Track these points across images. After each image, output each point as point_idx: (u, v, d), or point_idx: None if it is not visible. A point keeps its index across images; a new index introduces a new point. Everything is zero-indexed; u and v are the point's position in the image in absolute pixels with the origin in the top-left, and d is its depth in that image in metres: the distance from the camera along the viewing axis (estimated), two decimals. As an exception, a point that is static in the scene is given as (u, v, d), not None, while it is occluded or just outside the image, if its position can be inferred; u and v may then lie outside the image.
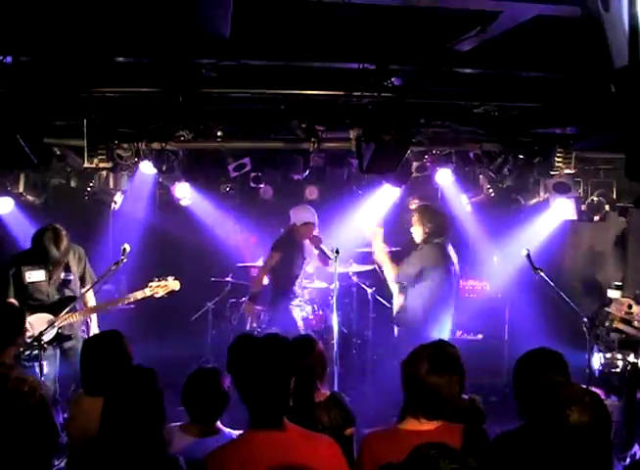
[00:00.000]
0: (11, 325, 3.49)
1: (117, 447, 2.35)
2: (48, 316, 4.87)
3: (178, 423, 3.13)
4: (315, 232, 6.29)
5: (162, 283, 5.20)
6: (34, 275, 4.94)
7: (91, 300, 5.19)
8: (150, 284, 5.16)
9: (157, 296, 5.19)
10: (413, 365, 2.50)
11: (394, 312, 5.44)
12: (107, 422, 2.40)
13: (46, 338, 4.46)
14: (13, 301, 4.78)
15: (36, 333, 4.47)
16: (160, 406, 2.47)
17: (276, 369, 2.28)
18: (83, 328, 5.27)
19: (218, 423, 3.08)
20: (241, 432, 2.97)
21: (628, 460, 4.45)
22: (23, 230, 6.10)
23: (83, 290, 5.07)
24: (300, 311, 6.83)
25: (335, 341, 5.32)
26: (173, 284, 5.24)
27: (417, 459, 1.74)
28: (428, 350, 2.56)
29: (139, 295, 5.14)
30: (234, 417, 3.47)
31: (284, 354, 2.34)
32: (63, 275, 5.08)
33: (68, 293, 5.07)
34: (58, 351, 4.94)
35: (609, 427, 2.12)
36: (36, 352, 4.37)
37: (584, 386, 4.09)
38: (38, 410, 3.13)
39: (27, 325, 4.41)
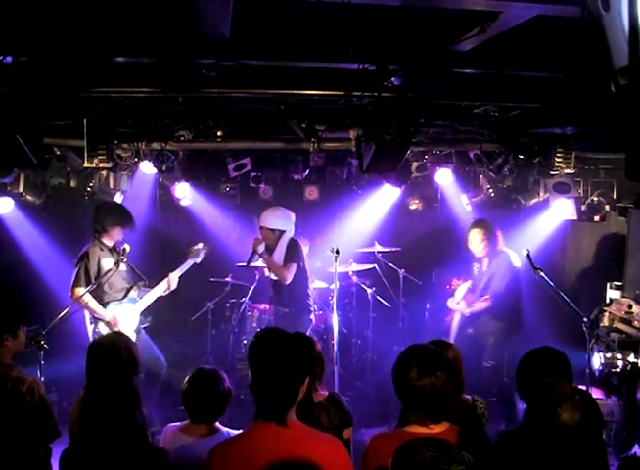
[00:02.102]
0: None
1: (98, 442, 2.36)
2: (129, 305, 5.30)
3: (178, 423, 3.13)
4: (268, 236, 5.66)
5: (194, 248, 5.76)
6: (107, 264, 5.20)
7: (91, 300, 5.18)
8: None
9: (198, 261, 5.75)
10: (401, 372, 2.49)
11: None
12: (84, 418, 2.42)
13: (134, 326, 5.26)
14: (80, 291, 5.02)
15: (124, 324, 5.15)
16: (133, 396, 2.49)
17: (286, 363, 2.28)
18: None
19: (217, 423, 3.08)
20: (240, 431, 2.99)
21: (628, 460, 4.45)
22: (24, 230, 6.10)
23: (84, 289, 5.11)
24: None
25: (335, 341, 5.32)
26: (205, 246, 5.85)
27: (403, 450, 1.76)
28: (412, 353, 2.54)
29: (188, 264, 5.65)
30: (234, 417, 3.48)
31: (300, 353, 2.35)
32: (124, 266, 5.37)
33: (127, 283, 5.38)
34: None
35: (601, 425, 2.13)
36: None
37: (584, 386, 4.11)
38: (37, 410, 3.13)
39: (116, 319, 5.14)
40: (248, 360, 2.36)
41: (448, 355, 2.80)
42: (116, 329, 5.02)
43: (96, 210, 5.34)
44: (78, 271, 5.14)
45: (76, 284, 5.11)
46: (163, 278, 5.49)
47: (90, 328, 5.17)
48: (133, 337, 5.21)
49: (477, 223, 5.90)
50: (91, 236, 5.28)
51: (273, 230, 5.64)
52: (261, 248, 5.62)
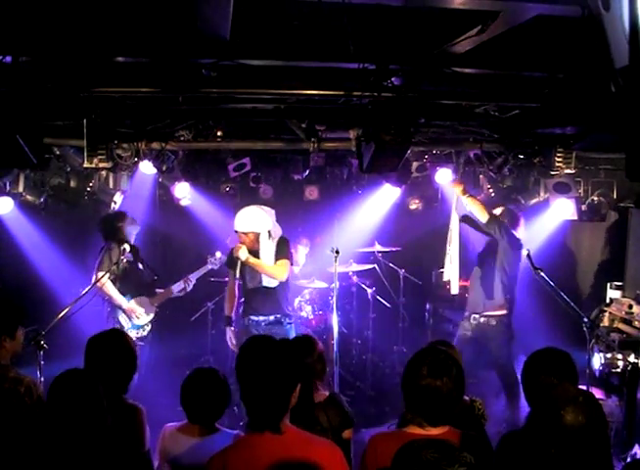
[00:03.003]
0: None
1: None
2: (147, 299, 5.73)
3: (176, 423, 3.12)
4: (244, 240, 5.31)
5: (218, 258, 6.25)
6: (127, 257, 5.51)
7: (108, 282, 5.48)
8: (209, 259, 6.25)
9: (215, 268, 6.29)
10: (411, 369, 2.50)
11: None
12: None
13: (149, 318, 5.70)
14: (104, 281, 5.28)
15: (143, 314, 5.62)
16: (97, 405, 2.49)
17: (276, 373, 2.26)
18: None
19: (215, 423, 3.07)
20: (238, 431, 2.99)
21: (629, 460, 4.45)
22: (23, 230, 6.10)
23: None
24: (300, 312, 6.83)
25: (335, 341, 5.32)
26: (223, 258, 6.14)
27: (404, 450, 1.76)
28: (427, 354, 2.55)
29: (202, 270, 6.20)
30: (234, 417, 3.48)
31: (288, 359, 2.33)
32: (141, 266, 5.77)
33: (150, 278, 5.84)
34: None
35: (605, 426, 2.12)
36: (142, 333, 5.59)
37: (584, 386, 4.11)
38: (35, 411, 3.12)
39: (135, 307, 5.58)
40: (236, 370, 2.33)
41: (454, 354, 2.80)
42: (135, 318, 5.56)
43: (103, 221, 5.79)
44: (100, 258, 5.50)
45: (99, 269, 5.41)
46: (180, 279, 5.97)
47: (111, 323, 5.50)
48: (148, 328, 5.72)
49: (503, 205, 5.85)
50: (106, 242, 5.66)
51: (246, 233, 5.23)
52: (243, 254, 5.18)
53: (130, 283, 5.61)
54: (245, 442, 2.35)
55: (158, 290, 5.88)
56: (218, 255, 6.30)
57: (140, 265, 5.74)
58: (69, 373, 2.57)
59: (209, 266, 6.24)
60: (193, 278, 6.03)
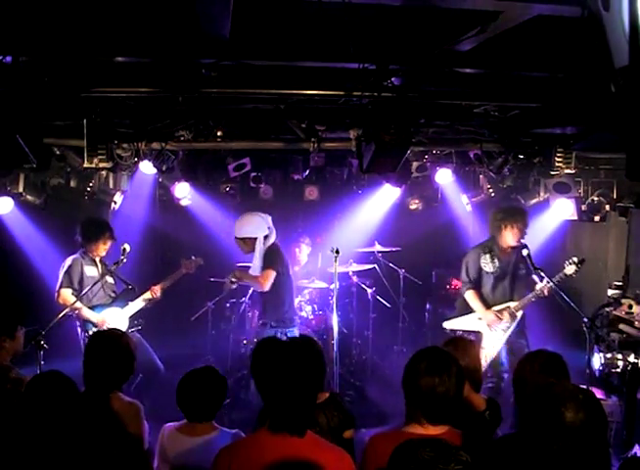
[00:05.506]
0: None
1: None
2: (117, 309, 5.50)
3: (175, 423, 3.12)
4: (240, 246, 5.49)
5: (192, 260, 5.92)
6: (90, 271, 5.49)
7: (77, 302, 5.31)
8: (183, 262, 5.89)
9: (191, 272, 5.93)
10: (411, 367, 2.54)
11: None
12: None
13: (123, 329, 5.17)
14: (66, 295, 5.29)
15: (112, 326, 5.18)
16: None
17: (305, 375, 2.25)
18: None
19: (214, 422, 3.07)
20: (238, 431, 2.98)
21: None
22: (23, 230, 6.10)
23: (69, 290, 5.22)
24: (300, 312, 6.83)
25: (335, 341, 5.31)
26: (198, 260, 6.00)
27: (400, 449, 1.77)
28: (426, 353, 2.61)
29: (176, 275, 5.82)
30: (234, 417, 3.48)
31: (314, 359, 2.32)
32: (110, 279, 5.63)
33: (112, 292, 5.61)
34: None
35: (605, 423, 2.12)
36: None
37: (584, 386, 4.11)
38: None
39: (105, 318, 5.37)
40: (254, 374, 2.29)
41: (468, 354, 2.82)
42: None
43: (80, 225, 5.60)
44: (62, 276, 5.41)
45: (61, 286, 5.37)
46: (147, 289, 5.64)
47: (81, 336, 5.39)
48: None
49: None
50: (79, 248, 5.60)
51: (243, 239, 5.37)
52: (233, 285, 5.49)
53: (95, 296, 5.46)
54: (258, 438, 2.33)
55: (129, 302, 5.58)
56: (194, 258, 6.00)
57: (109, 278, 5.60)
58: (41, 376, 2.56)
59: (184, 271, 5.86)
60: (159, 287, 5.68)
